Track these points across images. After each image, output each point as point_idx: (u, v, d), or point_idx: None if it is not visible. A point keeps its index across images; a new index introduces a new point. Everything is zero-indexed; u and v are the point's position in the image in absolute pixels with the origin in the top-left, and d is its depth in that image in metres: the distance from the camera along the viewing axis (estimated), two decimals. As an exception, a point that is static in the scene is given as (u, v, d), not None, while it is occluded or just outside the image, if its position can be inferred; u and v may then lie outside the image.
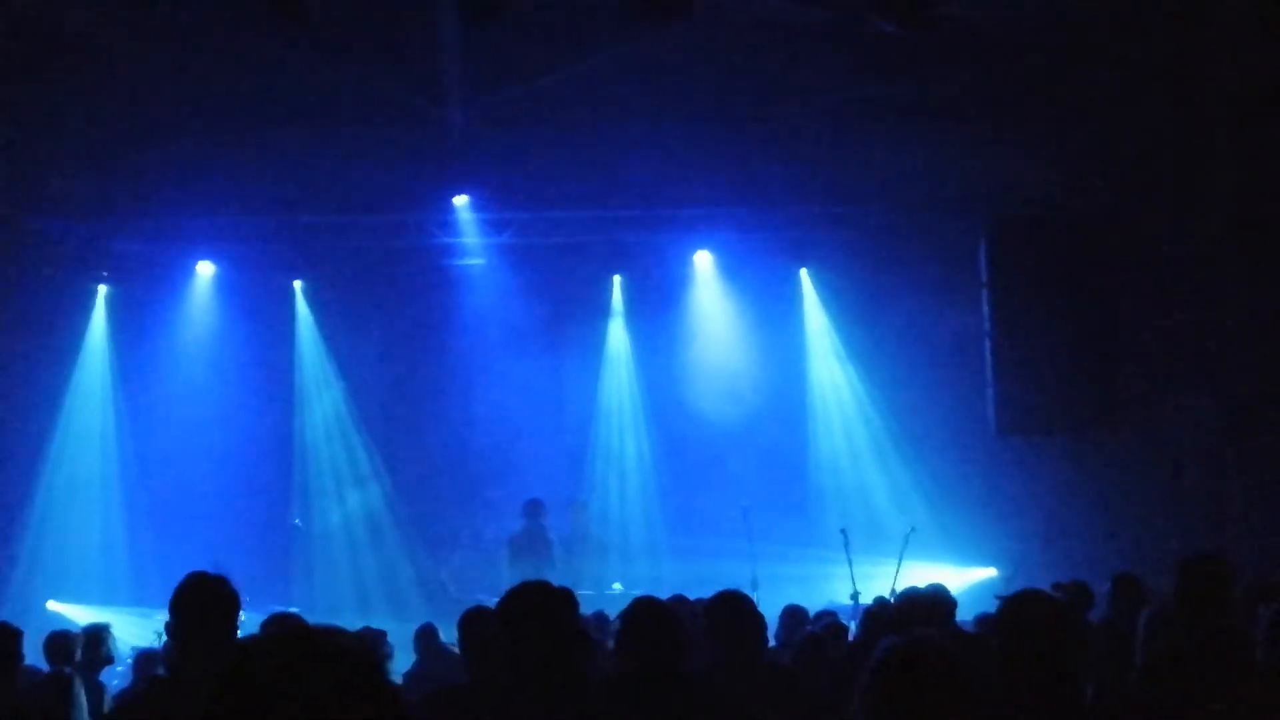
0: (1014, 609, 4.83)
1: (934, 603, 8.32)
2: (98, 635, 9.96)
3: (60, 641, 9.38)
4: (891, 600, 12.27)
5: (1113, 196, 16.00)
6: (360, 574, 17.60)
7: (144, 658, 10.36)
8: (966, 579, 15.23)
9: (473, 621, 7.24)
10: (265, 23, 12.97)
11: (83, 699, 8.56)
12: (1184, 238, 15.27)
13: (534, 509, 16.04)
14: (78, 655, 9.45)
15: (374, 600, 17.04)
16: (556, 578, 15.04)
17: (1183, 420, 15.25)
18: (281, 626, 7.32)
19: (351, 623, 10.22)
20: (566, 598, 4.94)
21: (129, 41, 14.02)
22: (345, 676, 2.33)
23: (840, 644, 9.28)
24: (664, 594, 9.28)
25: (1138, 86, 14.78)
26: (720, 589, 7.35)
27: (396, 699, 2.41)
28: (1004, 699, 4.50)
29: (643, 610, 5.63)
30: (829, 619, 10.94)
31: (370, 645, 8.13)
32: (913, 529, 14.47)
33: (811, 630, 10.00)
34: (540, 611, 4.81)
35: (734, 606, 6.95)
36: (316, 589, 17.25)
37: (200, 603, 5.36)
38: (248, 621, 11.95)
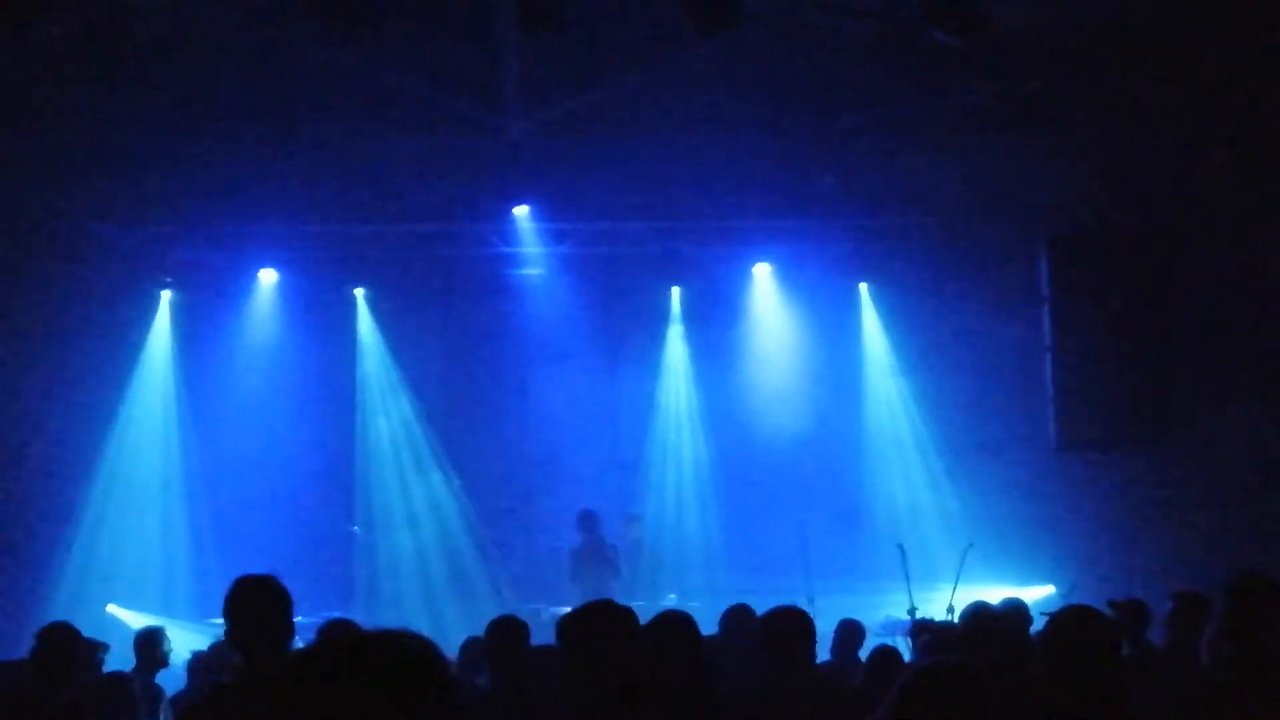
0: (1059, 626, 4.79)
1: (1008, 618, 8.23)
2: (153, 638, 10.02)
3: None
4: (953, 617, 12.19)
5: (1173, 212, 15.86)
6: (425, 583, 17.63)
7: (198, 661, 10.42)
8: (1025, 597, 15.08)
9: (498, 630, 7.32)
10: (329, 33, 13.07)
11: (140, 702, 8.62)
12: (1241, 251, 15.13)
13: (589, 521, 16.03)
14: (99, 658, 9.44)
15: (440, 610, 17.05)
16: (622, 588, 15.09)
17: (1244, 434, 15.09)
18: (336, 633, 7.36)
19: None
20: (628, 618, 4.89)
21: (194, 50, 14.16)
22: (406, 678, 2.32)
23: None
24: (720, 606, 9.25)
25: (1195, 99, 14.64)
26: (776, 603, 7.34)
27: (455, 702, 2.39)
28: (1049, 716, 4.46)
29: (664, 623, 5.59)
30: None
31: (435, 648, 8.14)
32: (970, 545, 14.38)
33: (883, 644, 9.92)
34: (601, 633, 4.76)
35: (788, 621, 6.94)
36: (380, 598, 17.30)
37: (255, 605, 5.40)
38: (305, 628, 12.06)
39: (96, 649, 9.47)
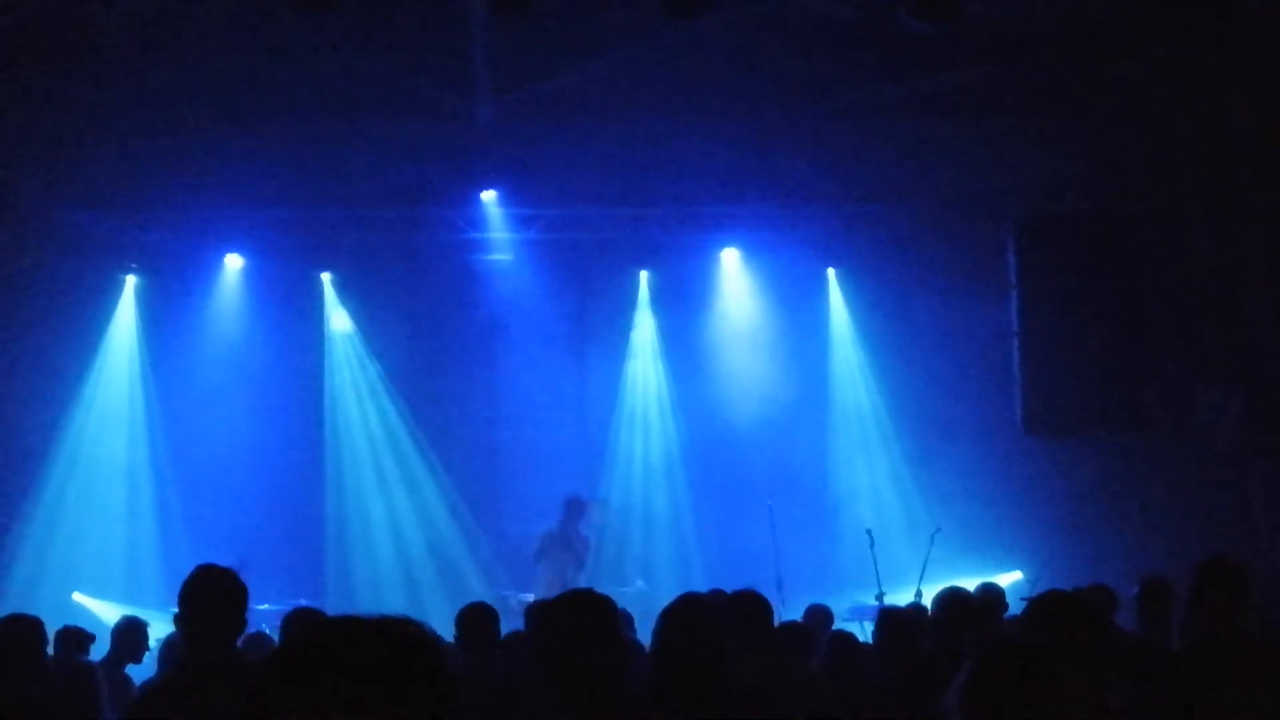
0: (1040, 610, 4.79)
1: (985, 603, 8.24)
2: (133, 629, 9.95)
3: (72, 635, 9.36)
4: (921, 601, 12.22)
5: (1141, 195, 15.93)
6: (399, 571, 17.53)
7: (168, 647, 10.33)
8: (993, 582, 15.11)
9: (470, 617, 7.28)
10: (294, 16, 13.00)
11: (104, 689, 8.55)
12: (1212, 237, 15.20)
13: (573, 508, 15.79)
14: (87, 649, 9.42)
15: (415, 596, 16.98)
16: (584, 579, 15.01)
17: (1211, 420, 15.16)
18: (302, 621, 7.32)
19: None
20: (606, 607, 4.80)
21: (159, 33, 14.06)
22: (404, 666, 2.28)
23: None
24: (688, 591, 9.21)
25: (1165, 84, 14.70)
26: (743, 587, 7.31)
27: (454, 689, 2.35)
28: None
29: (685, 608, 5.49)
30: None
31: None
32: (938, 530, 14.44)
33: (840, 629, 9.90)
34: (579, 624, 4.69)
35: (747, 605, 6.90)
36: (352, 587, 17.21)
37: (208, 594, 5.38)
38: (271, 615, 12.00)
39: (83, 639, 9.39)
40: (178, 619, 5.47)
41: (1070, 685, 3.74)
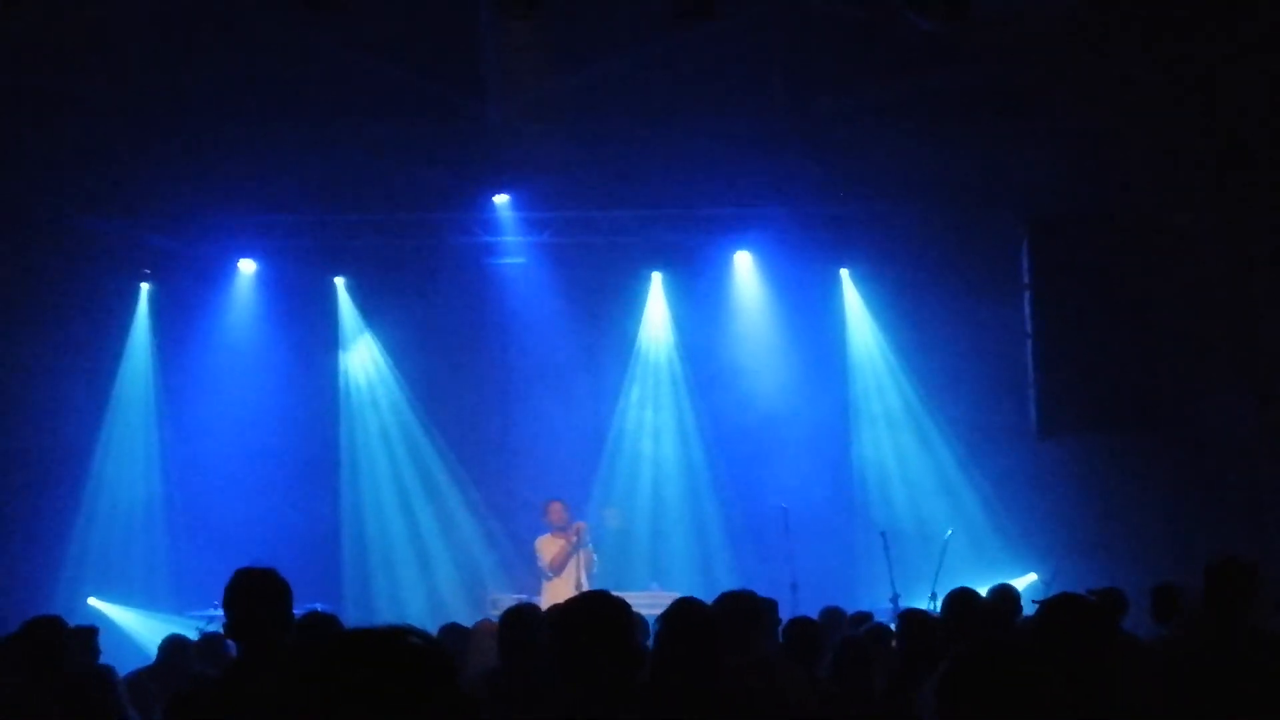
0: (1051, 613, 4.78)
1: (994, 605, 8.24)
2: (180, 647, 9.99)
3: None
4: (935, 604, 12.20)
5: (1153, 196, 15.88)
6: (413, 575, 17.56)
7: (172, 645, 10.33)
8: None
9: (514, 618, 7.23)
10: (307, 19, 13.03)
11: (118, 694, 8.56)
12: (1224, 238, 15.17)
13: (558, 510, 15.47)
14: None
15: (430, 600, 17.02)
16: (593, 578, 14.93)
17: (1224, 420, 15.13)
18: (316, 626, 7.34)
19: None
20: (621, 610, 4.83)
21: (171, 37, 14.11)
22: (410, 676, 2.29)
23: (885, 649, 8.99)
24: (705, 594, 9.18)
25: (1176, 84, 14.66)
26: (760, 590, 7.28)
27: (458, 700, 2.36)
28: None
29: (682, 614, 5.50)
30: (870, 624, 10.60)
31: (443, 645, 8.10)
32: (950, 532, 14.42)
33: (851, 634, 9.86)
34: (596, 628, 4.72)
35: (736, 605, 6.87)
36: (370, 591, 17.25)
37: (253, 597, 5.45)
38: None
39: (89, 634, 9.40)
40: (226, 625, 5.55)
41: (1046, 688, 3.73)
